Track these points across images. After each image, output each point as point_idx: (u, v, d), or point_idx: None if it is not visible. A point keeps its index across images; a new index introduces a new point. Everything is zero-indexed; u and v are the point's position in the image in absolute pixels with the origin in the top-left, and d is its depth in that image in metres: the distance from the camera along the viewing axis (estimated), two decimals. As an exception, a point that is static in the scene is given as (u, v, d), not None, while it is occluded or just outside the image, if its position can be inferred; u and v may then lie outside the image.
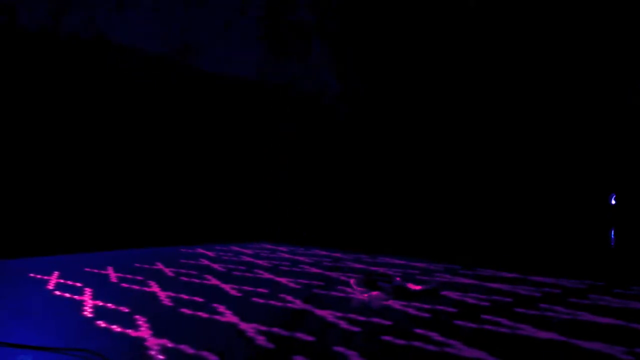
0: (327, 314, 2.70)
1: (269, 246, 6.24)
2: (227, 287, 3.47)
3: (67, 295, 3.08)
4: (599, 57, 6.92)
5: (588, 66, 6.97)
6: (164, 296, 3.11)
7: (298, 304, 2.96)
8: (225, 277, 3.91)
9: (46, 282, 3.52)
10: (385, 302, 3.06)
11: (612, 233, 7.41)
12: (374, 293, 3.25)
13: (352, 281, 3.54)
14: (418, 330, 2.39)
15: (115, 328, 2.34)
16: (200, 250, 5.66)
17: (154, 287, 3.39)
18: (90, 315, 2.60)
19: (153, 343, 2.13)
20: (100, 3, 5.61)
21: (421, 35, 7.60)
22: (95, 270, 4.05)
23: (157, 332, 2.28)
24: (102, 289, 3.30)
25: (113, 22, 5.68)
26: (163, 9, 6.19)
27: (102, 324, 2.42)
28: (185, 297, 3.09)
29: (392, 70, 7.85)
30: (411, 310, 2.84)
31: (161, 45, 6.18)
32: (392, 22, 7.82)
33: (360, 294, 3.27)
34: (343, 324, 2.50)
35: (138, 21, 5.88)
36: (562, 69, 7.09)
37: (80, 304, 2.83)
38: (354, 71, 7.85)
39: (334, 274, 4.10)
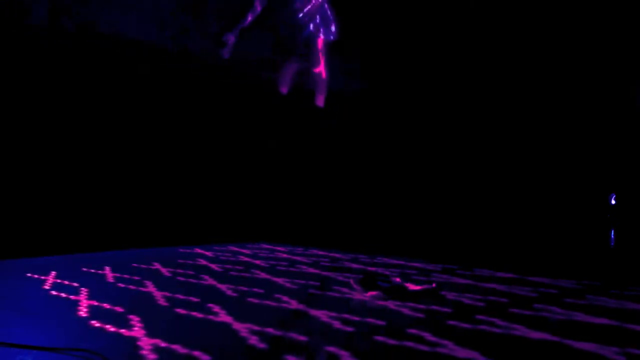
0: (321, 314, 2.70)
1: (267, 246, 6.24)
2: (223, 287, 3.48)
3: (63, 295, 3.09)
4: (602, 57, 6.91)
5: (590, 66, 6.96)
6: (159, 296, 3.12)
7: (293, 304, 2.97)
8: (221, 277, 3.91)
9: (43, 281, 3.52)
10: (383, 302, 3.07)
11: (612, 233, 7.41)
12: (373, 292, 3.26)
13: (351, 281, 3.55)
14: (411, 330, 2.39)
15: (109, 328, 2.35)
16: (199, 251, 5.67)
17: (150, 287, 3.40)
18: (85, 315, 2.61)
19: (146, 343, 2.13)
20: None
21: (420, 34, 7.59)
22: (92, 270, 4.05)
23: (151, 332, 2.28)
24: (98, 289, 3.31)
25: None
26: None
27: (96, 323, 2.43)
28: (181, 297, 3.09)
29: (389, 70, 7.85)
30: (406, 310, 2.84)
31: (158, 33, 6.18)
32: (390, 22, 7.82)
33: (359, 294, 3.28)
34: (337, 324, 2.50)
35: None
36: (563, 69, 7.08)
37: (75, 304, 2.84)
38: (352, 70, 7.84)
39: (331, 274, 4.10)
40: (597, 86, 6.97)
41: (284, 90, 4.15)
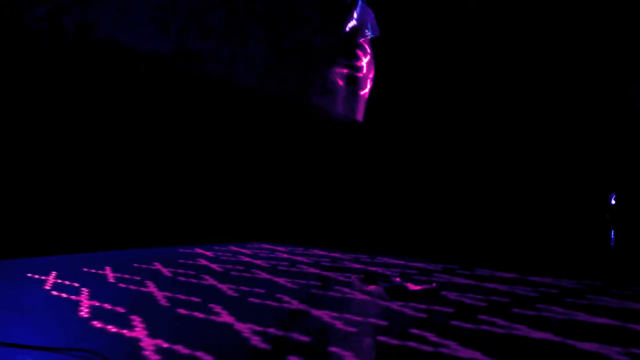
0: (323, 314, 2.69)
1: (268, 246, 6.24)
2: (224, 287, 3.47)
3: (64, 295, 3.08)
4: (602, 58, 6.91)
5: (590, 66, 6.96)
6: (160, 296, 3.11)
7: (295, 304, 2.96)
8: (222, 277, 3.90)
9: (44, 282, 3.52)
10: (384, 301, 3.06)
11: (612, 233, 7.41)
12: (372, 287, 3.27)
13: (352, 277, 3.55)
14: (413, 331, 2.38)
15: (111, 328, 2.34)
16: (199, 251, 5.66)
17: (151, 287, 3.39)
18: (86, 315, 2.60)
19: (148, 343, 2.12)
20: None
21: (420, 36, 7.58)
22: (93, 270, 4.05)
23: (153, 333, 2.28)
24: (99, 289, 3.30)
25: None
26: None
27: (98, 324, 2.42)
28: (182, 297, 3.09)
29: (389, 71, 7.84)
30: (408, 311, 2.83)
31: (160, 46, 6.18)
32: (391, 23, 7.81)
33: (360, 291, 3.28)
34: (339, 324, 2.50)
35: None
36: (564, 69, 7.08)
37: (76, 304, 2.83)
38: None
39: (332, 274, 4.09)
40: (597, 86, 6.96)
41: (358, 118, 3.98)
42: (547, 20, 7.04)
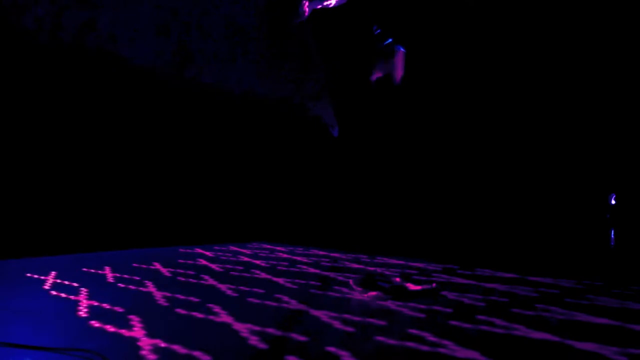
0: (322, 314, 2.69)
1: (268, 246, 6.24)
2: (223, 287, 3.47)
3: (63, 295, 3.09)
4: (603, 58, 6.91)
5: (590, 66, 6.96)
6: (159, 296, 3.12)
7: (294, 304, 2.96)
8: (222, 277, 3.91)
9: (44, 282, 3.52)
10: (383, 302, 3.06)
11: (612, 233, 7.40)
12: (372, 293, 3.25)
13: (350, 281, 3.54)
14: (412, 331, 2.38)
15: (109, 328, 2.34)
16: (199, 250, 5.67)
17: (151, 287, 3.39)
18: (84, 315, 2.60)
19: (146, 343, 2.13)
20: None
21: (417, 36, 7.58)
22: (93, 270, 4.05)
23: (151, 332, 2.28)
24: (99, 289, 3.30)
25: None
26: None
27: (96, 324, 2.42)
28: (181, 297, 3.09)
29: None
30: (407, 311, 2.83)
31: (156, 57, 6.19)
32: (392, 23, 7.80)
33: (359, 294, 3.27)
34: (337, 324, 2.50)
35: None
36: (563, 68, 7.07)
37: (75, 304, 2.83)
38: (350, 69, 7.84)
39: (331, 274, 4.10)
40: (597, 86, 6.96)
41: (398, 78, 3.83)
42: (547, 20, 7.03)
